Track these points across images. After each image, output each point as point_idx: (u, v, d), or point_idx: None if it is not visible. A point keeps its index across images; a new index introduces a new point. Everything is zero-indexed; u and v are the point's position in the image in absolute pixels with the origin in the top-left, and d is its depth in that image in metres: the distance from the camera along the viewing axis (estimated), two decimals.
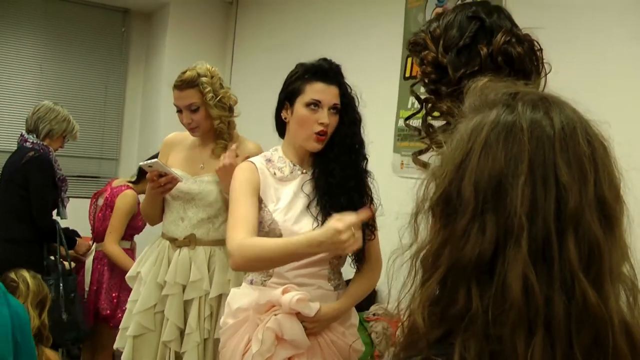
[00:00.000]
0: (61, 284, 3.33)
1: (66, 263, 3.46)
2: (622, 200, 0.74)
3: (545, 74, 1.39)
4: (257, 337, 1.85)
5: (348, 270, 2.10)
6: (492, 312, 0.69)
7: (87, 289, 3.53)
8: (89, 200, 3.77)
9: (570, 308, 0.68)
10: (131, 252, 3.55)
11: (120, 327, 2.58)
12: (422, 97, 1.52)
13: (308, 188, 2.00)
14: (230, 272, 2.46)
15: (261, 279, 1.99)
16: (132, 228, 3.53)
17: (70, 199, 3.68)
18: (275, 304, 1.87)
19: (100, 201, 3.60)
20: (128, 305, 2.55)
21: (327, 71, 2.00)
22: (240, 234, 1.87)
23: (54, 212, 3.53)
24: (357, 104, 2.05)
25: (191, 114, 2.44)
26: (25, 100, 5.04)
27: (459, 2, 3.08)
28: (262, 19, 5.12)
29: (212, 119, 2.47)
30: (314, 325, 1.89)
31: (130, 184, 3.57)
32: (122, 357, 2.49)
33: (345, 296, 2.01)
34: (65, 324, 3.26)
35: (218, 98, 2.44)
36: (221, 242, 2.50)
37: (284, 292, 1.88)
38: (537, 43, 1.39)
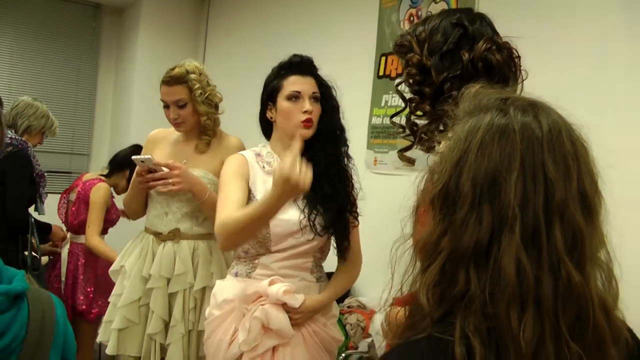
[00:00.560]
0: None
1: (44, 258, 3.45)
2: (600, 194, 0.84)
3: (522, 80, 1.49)
4: (245, 326, 1.91)
5: (329, 264, 2.18)
6: (488, 291, 0.78)
7: (63, 280, 3.53)
8: (60, 195, 3.75)
9: (557, 287, 0.78)
10: None
11: (103, 320, 2.61)
12: (407, 96, 1.61)
13: None
14: (214, 265, 2.52)
15: (246, 270, 2.05)
16: (106, 221, 3.53)
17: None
18: (262, 294, 1.95)
19: (73, 196, 3.59)
20: (112, 299, 2.58)
21: (300, 64, 2.10)
22: (222, 214, 1.93)
23: (32, 208, 3.51)
24: (334, 92, 2.14)
25: (178, 109, 2.48)
26: None
27: (433, 3, 3.20)
28: (234, 15, 5.14)
29: (198, 115, 2.51)
30: (298, 316, 1.97)
31: (102, 177, 3.58)
32: (106, 350, 2.52)
33: (327, 289, 2.09)
34: None
35: (206, 95, 2.48)
36: (205, 236, 2.57)
37: (271, 283, 1.95)
38: (516, 51, 1.49)
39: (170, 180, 2.36)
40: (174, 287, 2.46)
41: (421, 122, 1.57)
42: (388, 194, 3.14)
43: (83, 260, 3.52)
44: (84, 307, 3.44)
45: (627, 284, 0.88)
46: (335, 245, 2.11)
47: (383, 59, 3.52)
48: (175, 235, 2.52)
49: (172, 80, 2.46)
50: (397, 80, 1.70)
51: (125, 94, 5.49)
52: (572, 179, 0.81)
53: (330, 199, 2.00)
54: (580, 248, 0.79)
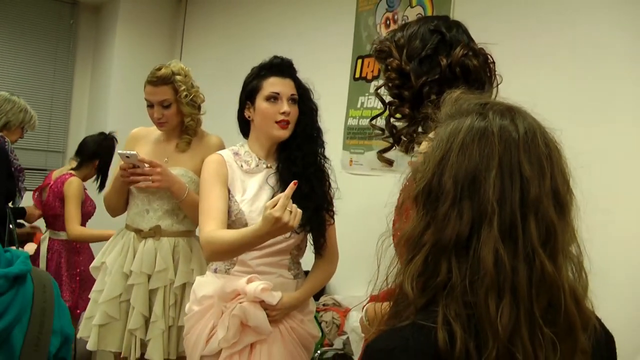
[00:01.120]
0: None
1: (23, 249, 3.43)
2: (572, 192, 0.92)
3: (497, 84, 1.56)
4: (224, 324, 1.95)
5: (306, 261, 2.23)
6: (469, 280, 0.85)
7: None
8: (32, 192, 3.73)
9: (532, 276, 0.85)
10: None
11: (84, 316, 2.61)
12: (386, 99, 1.67)
13: (272, 180, 2.11)
14: (194, 262, 2.55)
15: (225, 267, 2.09)
16: (82, 215, 3.51)
17: None
18: (240, 292, 1.98)
19: (44, 195, 3.58)
20: (92, 295, 2.58)
21: (280, 65, 2.14)
22: (208, 227, 1.97)
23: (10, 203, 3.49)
24: (311, 95, 2.19)
25: (163, 109, 2.50)
26: None
27: (409, 7, 3.27)
28: (211, 14, 5.15)
29: (181, 116, 2.54)
30: (276, 313, 2.01)
31: (72, 172, 3.57)
32: (87, 346, 2.53)
33: (304, 286, 2.14)
34: None
35: (191, 97, 2.51)
36: (185, 234, 2.60)
37: (249, 281, 1.99)
38: (491, 56, 1.56)
39: (150, 178, 2.39)
40: (155, 284, 2.48)
41: (400, 124, 1.63)
42: (363, 194, 3.22)
43: (65, 258, 3.51)
44: (69, 304, 3.42)
45: (594, 276, 0.95)
46: (312, 242, 2.16)
47: (359, 61, 3.58)
48: (156, 232, 2.55)
49: (158, 80, 2.48)
50: (377, 84, 1.76)
51: (101, 91, 5.46)
52: (546, 177, 0.88)
53: (308, 197, 2.04)
54: (553, 241, 0.87)
